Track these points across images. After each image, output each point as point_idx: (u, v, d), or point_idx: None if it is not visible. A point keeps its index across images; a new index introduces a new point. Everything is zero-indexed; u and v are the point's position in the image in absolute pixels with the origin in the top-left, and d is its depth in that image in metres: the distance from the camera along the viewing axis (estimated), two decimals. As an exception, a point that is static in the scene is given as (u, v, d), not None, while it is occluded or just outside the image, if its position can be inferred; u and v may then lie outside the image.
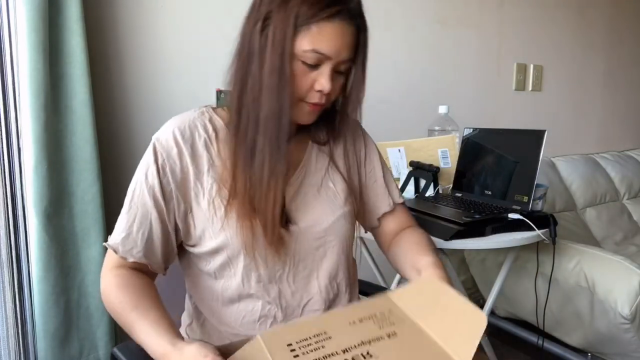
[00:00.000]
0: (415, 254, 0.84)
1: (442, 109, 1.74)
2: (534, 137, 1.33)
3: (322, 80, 0.76)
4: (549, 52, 2.50)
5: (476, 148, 1.53)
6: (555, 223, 1.28)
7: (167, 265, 0.82)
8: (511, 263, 1.43)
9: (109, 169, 1.37)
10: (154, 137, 0.80)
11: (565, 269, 1.55)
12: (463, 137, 1.59)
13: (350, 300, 0.90)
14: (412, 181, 1.58)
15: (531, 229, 1.24)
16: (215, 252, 0.79)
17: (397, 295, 0.66)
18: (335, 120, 0.87)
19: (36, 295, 1.23)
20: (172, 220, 0.78)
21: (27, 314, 1.29)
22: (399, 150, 1.63)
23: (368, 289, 1.12)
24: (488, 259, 1.82)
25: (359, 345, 0.55)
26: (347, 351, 0.54)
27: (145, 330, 0.68)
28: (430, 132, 1.75)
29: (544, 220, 1.28)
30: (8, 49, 1.23)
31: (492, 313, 1.88)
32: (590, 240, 2.22)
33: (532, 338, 1.77)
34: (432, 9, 2.05)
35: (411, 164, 1.58)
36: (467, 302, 0.60)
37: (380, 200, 0.96)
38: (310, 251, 0.83)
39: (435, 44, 2.08)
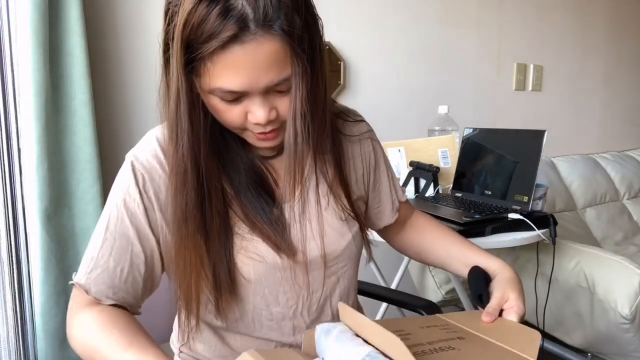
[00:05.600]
0: (472, 254, 0.82)
1: (442, 109, 1.74)
2: (534, 137, 1.33)
3: (254, 112, 0.60)
4: (549, 52, 2.50)
5: (476, 148, 1.53)
6: (555, 223, 1.28)
7: (141, 304, 0.71)
8: (511, 263, 1.43)
9: (109, 169, 1.37)
10: (130, 155, 0.68)
11: (565, 269, 1.55)
12: (463, 137, 1.59)
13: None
14: (412, 181, 1.58)
15: (531, 229, 1.24)
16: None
17: (447, 317, 0.69)
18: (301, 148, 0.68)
19: (36, 295, 1.23)
20: (157, 253, 0.67)
21: (27, 314, 1.29)
22: (399, 150, 1.62)
23: (368, 288, 1.13)
24: (488, 259, 1.82)
25: (438, 341, 0.58)
26: (431, 344, 0.57)
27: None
28: (430, 132, 1.75)
29: (544, 220, 1.28)
30: (8, 49, 1.23)
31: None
32: (590, 240, 2.22)
33: (532, 338, 1.77)
34: (432, 9, 2.05)
35: (411, 164, 1.58)
36: (517, 323, 0.67)
37: (386, 212, 0.89)
38: (322, 281, 0.75)
39: (435, 44, 2.08)
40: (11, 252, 1.27)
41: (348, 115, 0.83)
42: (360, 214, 0.80)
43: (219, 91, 0.58)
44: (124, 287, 0.64)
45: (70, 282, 0.65)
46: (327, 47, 1.77)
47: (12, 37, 1.22)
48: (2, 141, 1.25)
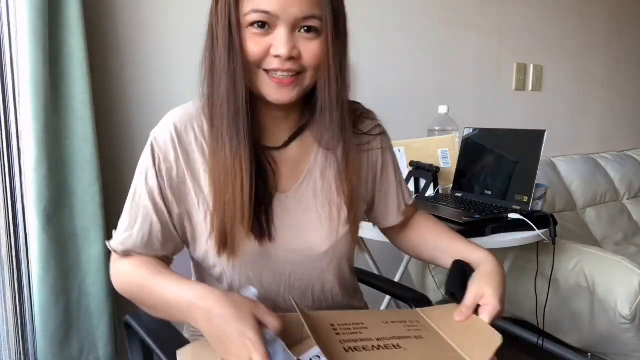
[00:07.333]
0: (460, 247, 0.83)
1: (442, 109, 1.74)
2: (534, 137, 1.33)
3: (277, 44, 0.67)
4: (549, 52, 2.50)
5: (476, 148, 1.53)
6: (555, 223, 1.28)
7: (169, 261, 0.81)
8: (511, 263, 1.43)
9: (109, 169, 1.37)
10: (152, 135, 0.76)
11: (565, 269, 1.55)
12: (463, 137, 1.59)
13: (349, 297, 0.88)
14: (412, 181, 1.58)
15: (531, 229, 1.24)
16: (212, 265, 0.77)
17: (425, 312, 0.73)
18: (336, 107, 0.74)
19: (36, 295, 1.23)
20: (171, 224, 0.76)
21: (27, 314, 1.29)
22: (399, 150, 1.62)
23: (363, 277, 1.12)
24: (488, 259, 1.82)
25: (390, 338, 0.63)
26: (380, 340, 0.62)
27: (173, 285, 0.66)
28: (430, 132, 1.75)
29: (544, 220, 1.27)
30: (8, 49, 1.23)
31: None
32: (590, 240, 2.22)
33: (532, 338, 1.77)
34: (432, 9, 2.05)
35: (411, 164, 1.58)
36: (486, 324, 0.68)
37: (391, 213, 0.91)
38: (306, 272, 0.79)
39: (435, 44, 2.08)
40: (11, 252, 1.27)
41: (365, 122, 0.86)
42: (357, 215, 0.82)
43: (254, 13, 0.66)
44: (145, 249, 0.75)
45: (107, 242, 0.79)
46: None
47: (12, 37, 1.22)
48: (2, 141, 1.25)
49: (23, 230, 1.27)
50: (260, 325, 0.59)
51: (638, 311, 1.41)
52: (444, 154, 1.61)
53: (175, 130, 0.74)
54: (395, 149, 1.63)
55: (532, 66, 2.44)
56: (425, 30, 2.04)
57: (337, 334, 0.62)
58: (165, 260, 0.79)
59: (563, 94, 2.61)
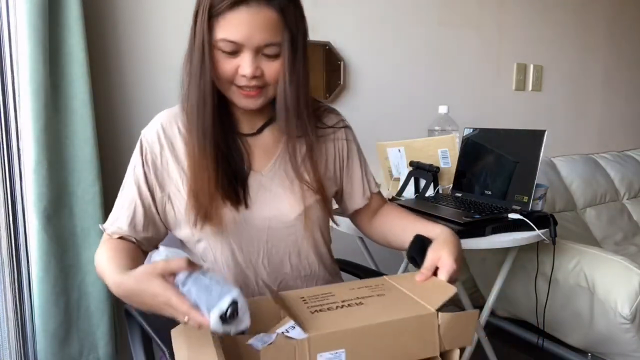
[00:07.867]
0: (421, 225, 0.93)
1: (442, 109, 1.74)
2: (534, 137, 1.33)
3: (243, 65, 0.80)
4: (549, 52, 2.50)
5: (476, 148, 1.53)
6: (555, 223, 1.28)
7: (153, 245, 0.90)
8: (511, 263, 1.43)
9: (109, 169, 1.37)
10: (142, 133, 0.90)
11: (565, 269, 1.55)
12: (463, 137, 1.59)
13: (328, 273, 0.98)
14: (412, 181, 1.58)
15: (531, 229, 1.24)
16: (197, 240, 0.88)
17: (391, 277, 0.81)
18: (291, 111, 0.86)
19: (36, 295, 1.23)
20: (154, 208, 0.88)
21: (27, 314, 1.29)
22: (399, 150, 1.63)
23: (346, 267, 1.13)
24: (488, 259, 1.82)
25: (354, 299, 0.71)
26: (344, 301, 0.70)
27: (112, 274, 0.74)
28: (430, 132, 1.75)
29: (544, 220, 1.28)
30: (8, 49, 1.23)
31: (492, 313, 1.88)
32: (590, 240, 2.22)
33: (532, 338, 1.77)
34: (432, 9, 2.05)
35: (411, 164, 1.58)
36: (443, 281, 0.76)
37: (357, 196, 1.02)
38: (282, 238, 0.90)
39: (435, 44, 2.08)
40: (11, 252, 1.28)
41: (329, 116, 0.99)
42: (325, 191, 0.93)
43: (224, 41, 0.78)
44: (128, 229, 0.87)
45: (102, 228, 0.89)
46: (327, 47, 1.77)
47: (12, 37, 1.22)
48: (2, 141, 1.25)
49: (23, 230, 1.27)
50: (172, 276, 0.63)
51: (638, 311, 1.41)
52: (444, 154, 1.61)
53: (161, 126, 0.90)
54: (395, 149, 1.63)
55: (532, 66, 2.44)
56: (425, 30, 2.04)
57: (306, 303, 0.70)
58: (143, 248, 0.88)
59: (563, 94, 2.61)
